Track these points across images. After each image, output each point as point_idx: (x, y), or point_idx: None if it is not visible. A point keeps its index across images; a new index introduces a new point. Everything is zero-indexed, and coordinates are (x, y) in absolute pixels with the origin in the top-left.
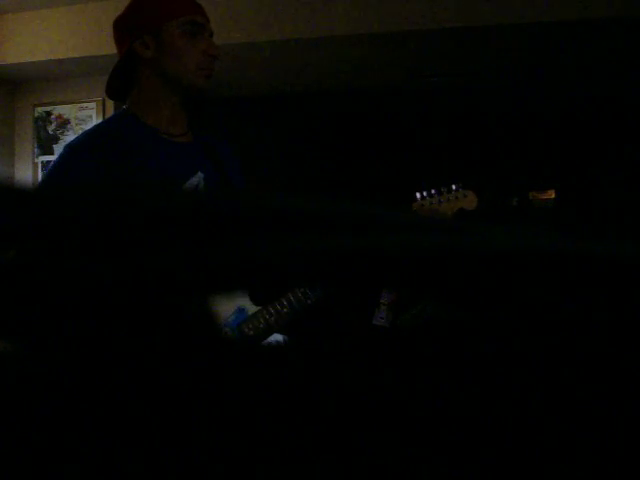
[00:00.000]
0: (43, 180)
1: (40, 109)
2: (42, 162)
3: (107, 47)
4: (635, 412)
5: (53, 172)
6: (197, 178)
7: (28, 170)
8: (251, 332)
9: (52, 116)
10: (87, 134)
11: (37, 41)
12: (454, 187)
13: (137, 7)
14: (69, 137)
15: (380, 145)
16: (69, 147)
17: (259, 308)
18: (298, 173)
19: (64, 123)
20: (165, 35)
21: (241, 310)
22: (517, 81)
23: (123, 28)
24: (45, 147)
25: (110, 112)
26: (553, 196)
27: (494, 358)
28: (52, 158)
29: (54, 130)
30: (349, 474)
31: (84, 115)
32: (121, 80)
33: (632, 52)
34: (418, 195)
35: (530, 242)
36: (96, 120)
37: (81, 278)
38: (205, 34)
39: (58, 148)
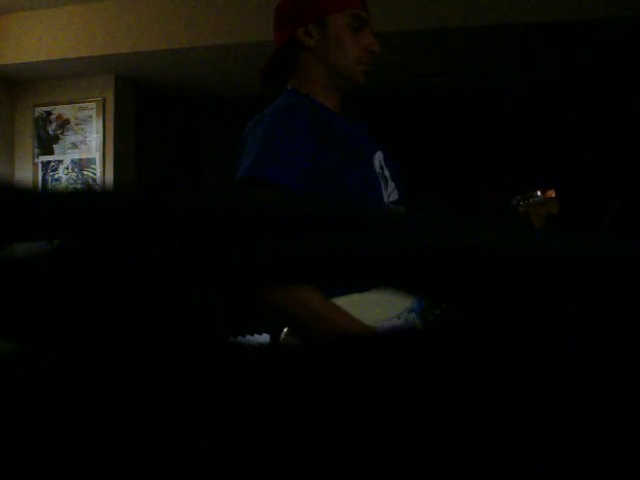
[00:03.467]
0: (265, 141)
1: (40, 109)
2: (42, 162)
3: (107, 47)
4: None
5: (279, 134)
6: (379, 155)
7: (28, 170)
8: (430, 318)
9: (52, 116)
10: (291, 109)
11: (37, 41)
12: (539, 193)
13: None
14: (69, 137)
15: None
16: (281, 116)
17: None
18: None
19: (64, 123)
20: (330, 26)
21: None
22: (517, 81)
23: (286, 15)
24: (45, 147)
25: (110, 112)
26: (553, 196)
27: (495, 358)
28: (52, 158)
29: (54, 130)
30: (349, 475)
31: (84, 115)
32: (279, 65)
33: (632, 52)
34: (518, 197)
35: (530, 242)
36: (96, 120)
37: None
38: (367, 30)
39: (58, 148)
